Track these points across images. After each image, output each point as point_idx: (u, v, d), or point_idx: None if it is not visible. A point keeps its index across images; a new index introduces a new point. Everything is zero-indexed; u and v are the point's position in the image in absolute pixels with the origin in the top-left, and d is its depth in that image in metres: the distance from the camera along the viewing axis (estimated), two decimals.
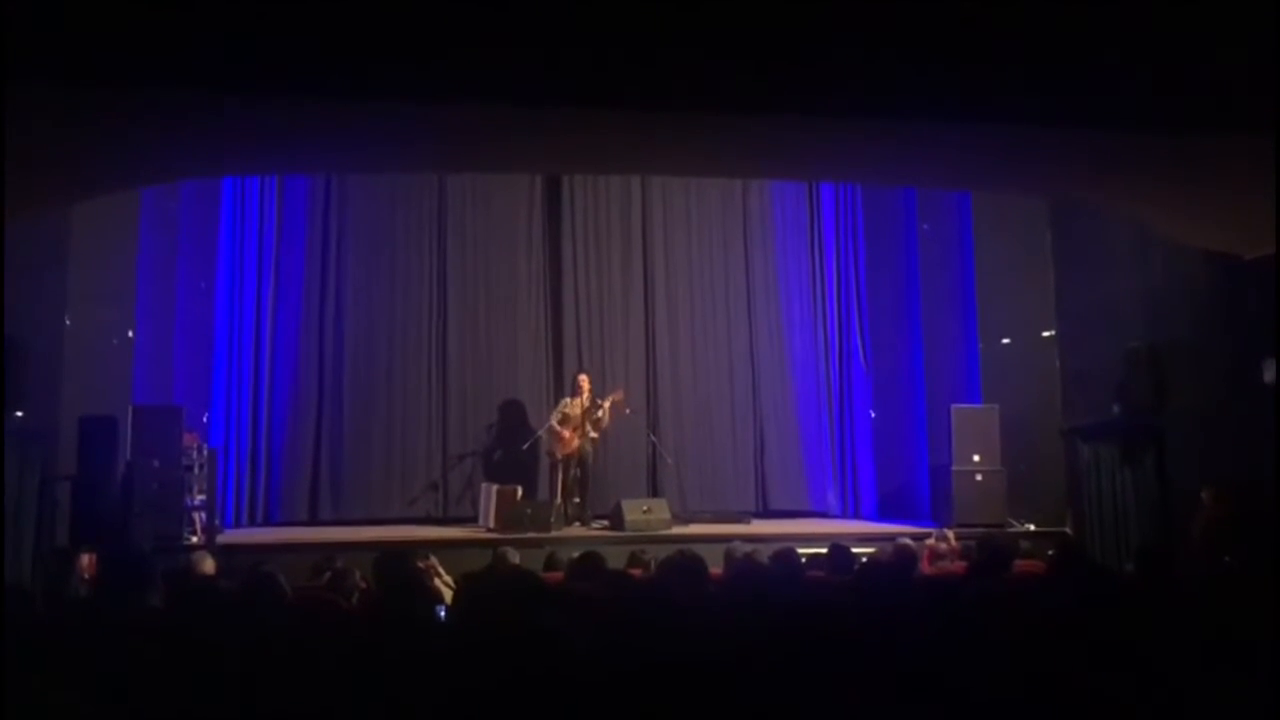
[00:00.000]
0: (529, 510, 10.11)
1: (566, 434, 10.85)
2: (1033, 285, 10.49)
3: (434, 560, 6.63)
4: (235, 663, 3.07)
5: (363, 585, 5.44)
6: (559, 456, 11.00)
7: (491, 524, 10.19)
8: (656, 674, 2.77)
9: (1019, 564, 6.59)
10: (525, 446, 11.27)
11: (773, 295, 12.59)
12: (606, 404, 10.90)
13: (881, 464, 12.39)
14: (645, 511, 10.22)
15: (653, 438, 11.86)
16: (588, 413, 10.85)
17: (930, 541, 7.83)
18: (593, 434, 10.90)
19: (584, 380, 11.08)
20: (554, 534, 9.76)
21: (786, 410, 12.44)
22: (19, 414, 7.53)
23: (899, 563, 6.21)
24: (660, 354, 12.23)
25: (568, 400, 11.08)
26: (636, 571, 6.43)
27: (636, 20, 4.94)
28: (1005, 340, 11.02)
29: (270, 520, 11.28)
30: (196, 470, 9.44)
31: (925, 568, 7.11)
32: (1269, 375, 7.27)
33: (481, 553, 7.90)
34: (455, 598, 5.37)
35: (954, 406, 10.75)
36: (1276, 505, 6.81)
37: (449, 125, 5.92)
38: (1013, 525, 10.15)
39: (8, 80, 4.54)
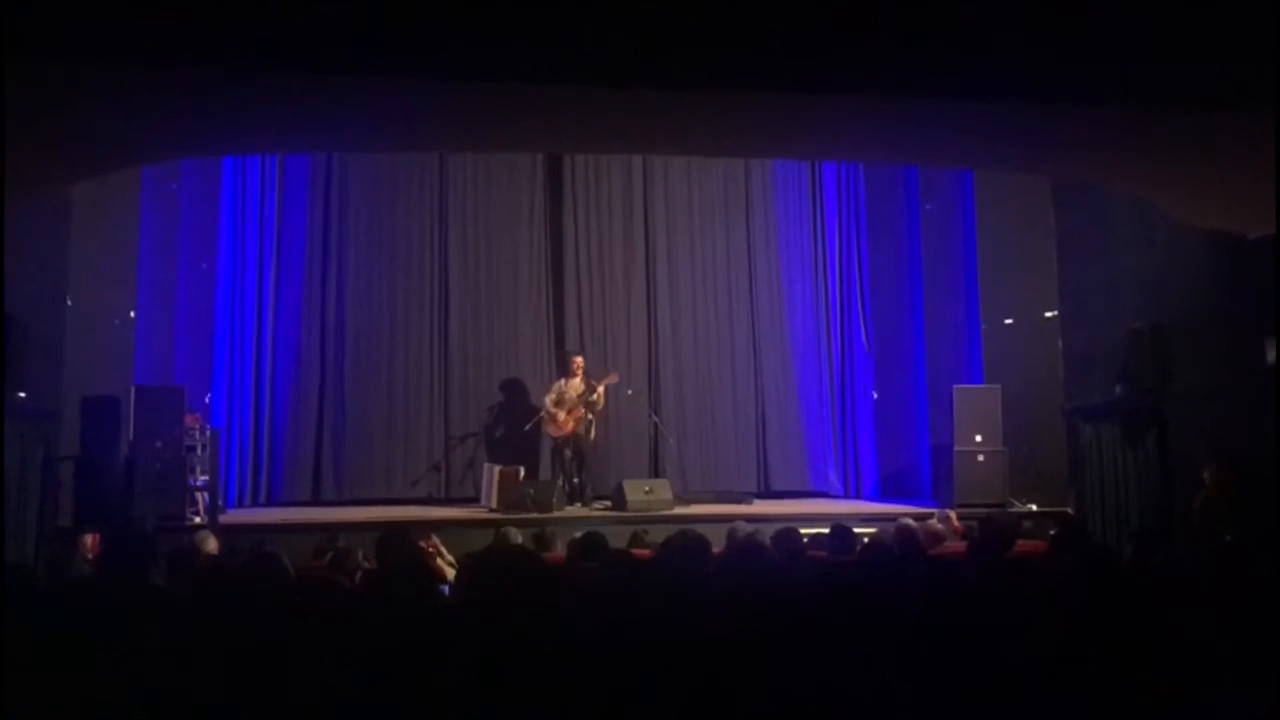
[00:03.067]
0: (531, 491, 10.14)
1: (561, 416, 10.85)
2: (1035, 265, 10.47)
3: (436, 540, 6.64)
4: (238, 642, 3.07)
5: (365, 565, 5.46)
6: (553, 438, 11.01)
7: (493, 504, 10.22)
8: (658, 653, 2.78)
9: (1020, 544, 6.59)
10: (527, 428, 11.27)
11: (775, 275, 12.58)
12: (601, 388, 10.89)
13: (883, 444, 12.40)
14: (647, 492, 10.24)
15: (654, 418, 11.87)
16: (583, 396, 10.85)
17: (932, 522, 7.83)
18: (589, 416, 10.90)
19: (579, 362, 11.07)
20: (556, 514, 9.78)
21: (788, 391, 12.44)
22: (21, 395, 7.53)
23: (901, 543, 6.22)
24: (662, 334, 12.24)
25: (562, 382, 11.08)
26: (639, 552, 6.44)
27: None
28: (1007, 320, 11.01)
29: (273, 500, 11.33)
30: (199, 450, 9.46)
31: (927, 548, 7.11)
32: (1271, 355, 7.25)
33: (484, 533, 7.92)
34: (458, 577, 5.39)
35: (956, 387, 10.75)
36: (1277, 484, 6.81)
37: (450, 104, 5.90)
38: (1014, 505, 10.17)
39: (7, 58, 4.53)
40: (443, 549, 6.54)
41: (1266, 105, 5.38)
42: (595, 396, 10.86)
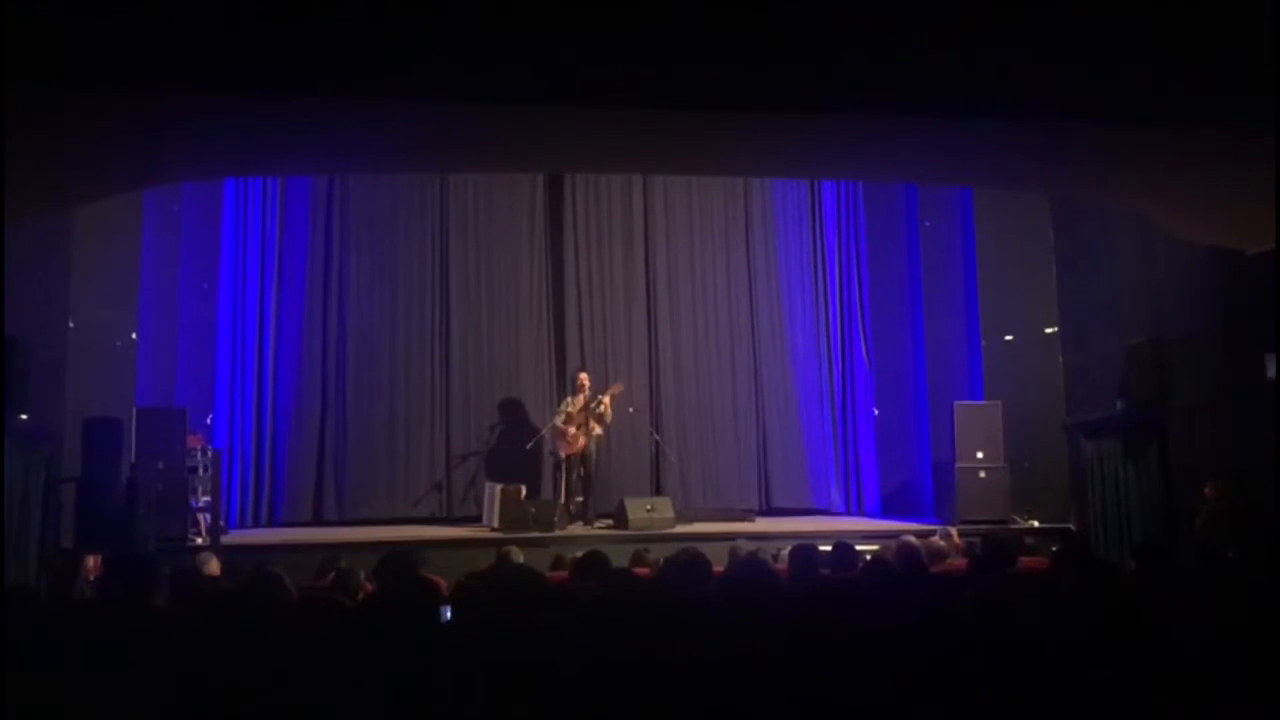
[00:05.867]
0: (533, 509, 10.13)
1: (571, 432, 10.84)
2: (1035, 281, 10.50)
3: None
4: (240, 663, 3.07)
5: (367, 585, 5.45)
6: (563, 456, 11.00)
7: (495, 523, 10.21)
8: (659, 672, 2.78)
9: (1023, 560, 6.58)
10: (529, 446, 11.27)
11: (775, 293, 12.60)
12: (606, 398, 10.90)
13: (885, 461, 12.39)
14: (649, 510, 10.23)
15: (656, 436, 11.87)
16: (588, 408, 10.86)
17: (934, 539, 7.81)
18: (597, 430, 10.90)
19: (584, 378, 11.09)
20: (558, 533, 9.77)
21: (789, 408, 12.44)
22: (23, 416, 7.54)
23: (903, 560, 6.20)
24: (663, 352, 12.24)
25: (569, 399, 11.09)
26: (640, 570, 6.43)
27: (638, 20, 4.95)
28: (1008, 337, 11.03)
29: (274, 521, 11.31)
30: (201, 471, 9.47)
31: (929, 565, 7.10)
32: (1271, 370, 7.26)
33: (486, 552, 7.91)
34: (458, 597, 5.38)
35: (957, 403, 10.76)
36: (1278, 499, 6.81)
37: (450, 126, 5.92)
38: (1016, 522, 10.16)
39: (9, 82, 4.55)
40: None
41: (1265, 121, 5.40)
42: (601, 408, 10.86)
